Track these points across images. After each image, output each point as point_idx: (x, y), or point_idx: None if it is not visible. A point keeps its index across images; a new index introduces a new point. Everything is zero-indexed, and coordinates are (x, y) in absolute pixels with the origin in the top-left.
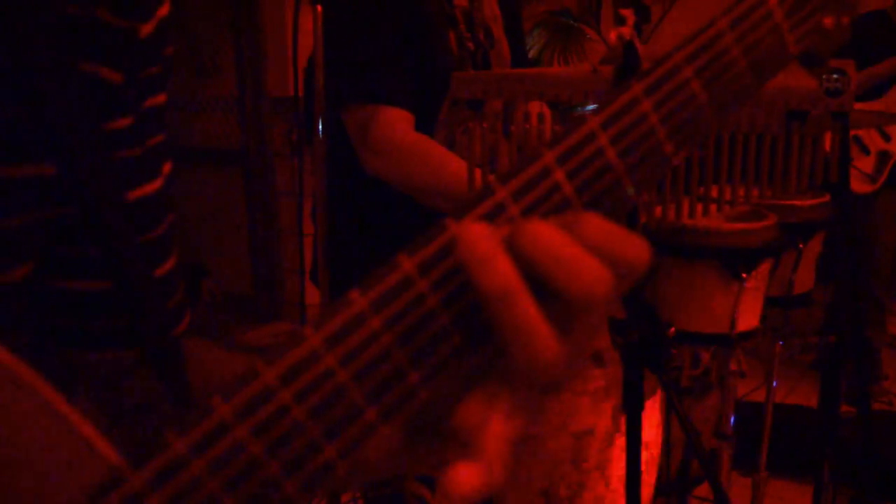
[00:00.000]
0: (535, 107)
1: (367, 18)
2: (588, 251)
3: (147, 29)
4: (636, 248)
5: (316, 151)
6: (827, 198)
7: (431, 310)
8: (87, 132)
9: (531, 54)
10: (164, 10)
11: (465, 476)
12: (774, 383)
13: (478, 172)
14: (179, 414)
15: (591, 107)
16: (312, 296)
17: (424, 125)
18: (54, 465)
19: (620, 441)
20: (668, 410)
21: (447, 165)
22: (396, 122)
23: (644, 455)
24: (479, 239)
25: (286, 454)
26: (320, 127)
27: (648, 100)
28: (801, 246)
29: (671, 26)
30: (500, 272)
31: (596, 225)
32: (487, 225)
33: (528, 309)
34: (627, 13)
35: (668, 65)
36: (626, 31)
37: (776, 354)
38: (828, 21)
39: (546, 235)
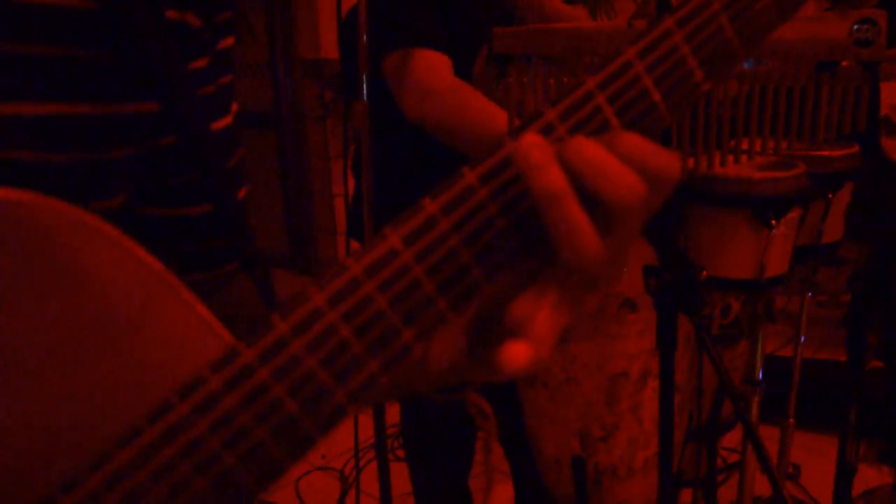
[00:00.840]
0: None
1: None
2: (625, 164)
3: None
4: (666, 161)
5: (361, 108)
6: (856, 149)
7: (492, 215)
8: (175, 72)
9: None
10: None
11: (516, 352)
12: (803, 338)
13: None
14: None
15: None
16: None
17: (463, 68)
18: (180, 341)
19: (653, 383)
20: (700, 354)
21: (486, 110)
22: (436, 64)
23: (676, 398)
24: (534, 148)
25: (370, 336)
26: (364, 85)
27: (681, 32)
28: (829, 196)
29: None
30: (553, 177)
31: (632, 141)
32: (541, 136)
33: (575, 209)
34: None
35: (699, 1)
36: None
37: (805, 305)
38: None
39: (590, 150)
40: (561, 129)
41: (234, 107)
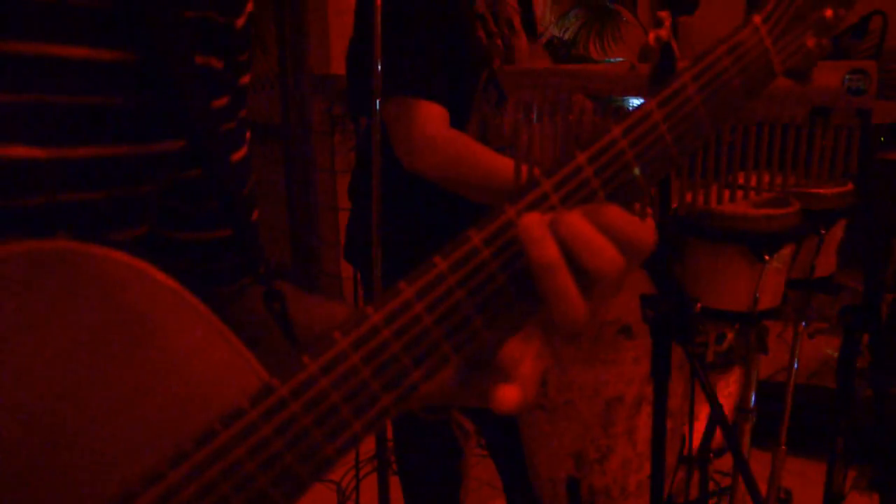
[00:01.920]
0: (580, 100)
1: (404, 14)
2: (606, 237)
3: (241, 22)
4: (643, 234)
5: (373, 126)
6: (849, 187)
7: (493, 271)
8: (201, 112)
9: (567, 35)
10: (250, 6)
11: (507, 394)
12: (796, 365)
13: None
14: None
15: (633, 99)
16: (347, 268)
17: (459, 113)
18: (223, 377)
19: (648, 408)
20: (693, 382)
21: (481, 161)
22: (434, 117)
23: (669, 423)
24: (533, 225)
25: (386, 376)
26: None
27: (660, 111)
28: (822, 232)
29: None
30: (548, 251)
31: (614, 215)
32: (539, 214)
33: (566, 279)
34: (665, 15)
35: (677, 84)
36: (664, 32)
37: (800, 334)
38: (810, 43)
39: (578, 225)
40: (554, 198)
41: (248, 135)
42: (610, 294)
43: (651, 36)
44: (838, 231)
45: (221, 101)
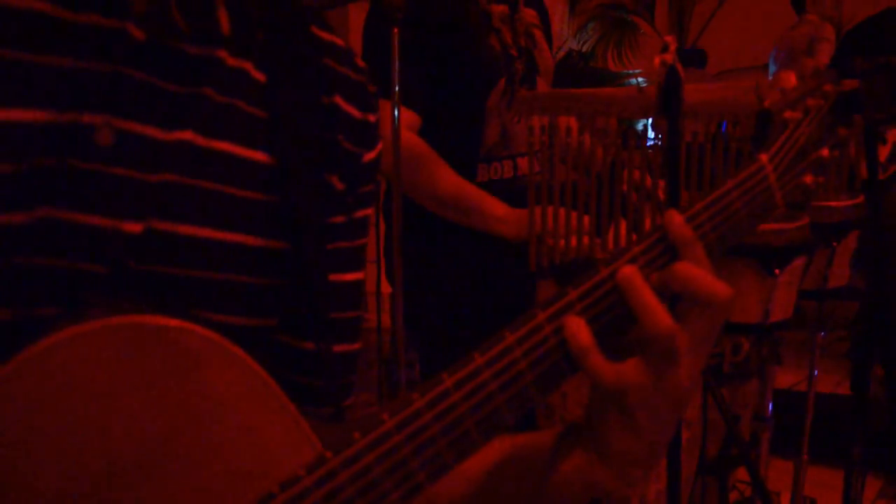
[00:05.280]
0: (563, 121)
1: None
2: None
3: (369, 156)
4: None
5: (394, 151)
6: (860, 199)
7: (522, 368)
8: (316, 221)
9: (585, 48)
10: (381, 145)
11: None
12: (815, 372)
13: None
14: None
15: (640, 122)
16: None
17: (473, 115)
18: (284, 448)
19: None
20: (705, 393)
21: (433, 168)
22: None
23: (686, 433)
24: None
25: (424, 455)
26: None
27: (642, 259)
28: (834, 244)
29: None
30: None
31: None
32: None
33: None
34: (670, 39)
35: (693, 216)
36: (669, 57)
37: (816, 344)
38: (808, 180)
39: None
40: (578, 307)
41: (361, 275)
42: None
43: (657, 60)
44: (850, 242)
45: (336, 220)
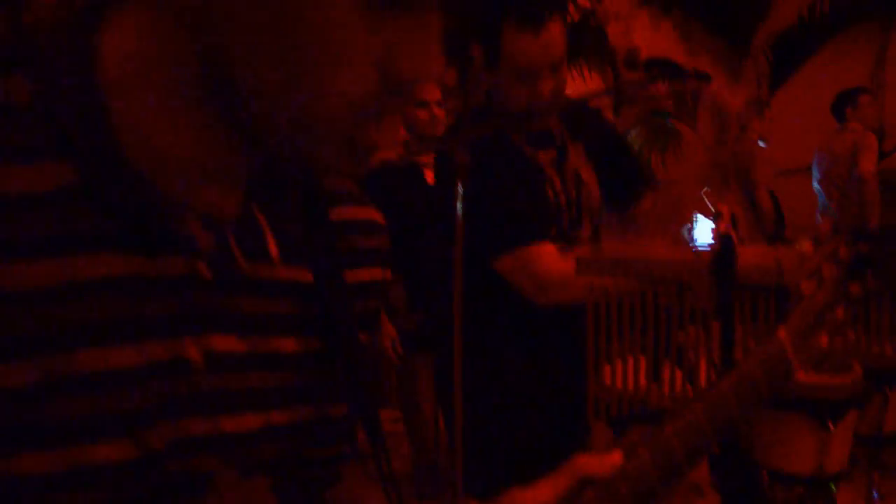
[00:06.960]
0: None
1: (500, 180)
2: None
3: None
4: None
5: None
6: None
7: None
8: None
9: None
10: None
11: None
12: None
13: None
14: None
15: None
16: None
17: None
18: None
19: None
20: None
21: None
22: (554, 254)
23: None
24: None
25: None
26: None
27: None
28: (888, 391)
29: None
30: None
31: None
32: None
33: None
34: (724, 209)
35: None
36: (723, 225)
37: (872, 489)
38: (824, 342)
39: None
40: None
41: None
42: None
43: (713, 232)
44: None
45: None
